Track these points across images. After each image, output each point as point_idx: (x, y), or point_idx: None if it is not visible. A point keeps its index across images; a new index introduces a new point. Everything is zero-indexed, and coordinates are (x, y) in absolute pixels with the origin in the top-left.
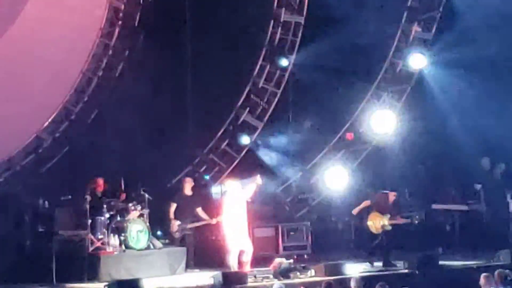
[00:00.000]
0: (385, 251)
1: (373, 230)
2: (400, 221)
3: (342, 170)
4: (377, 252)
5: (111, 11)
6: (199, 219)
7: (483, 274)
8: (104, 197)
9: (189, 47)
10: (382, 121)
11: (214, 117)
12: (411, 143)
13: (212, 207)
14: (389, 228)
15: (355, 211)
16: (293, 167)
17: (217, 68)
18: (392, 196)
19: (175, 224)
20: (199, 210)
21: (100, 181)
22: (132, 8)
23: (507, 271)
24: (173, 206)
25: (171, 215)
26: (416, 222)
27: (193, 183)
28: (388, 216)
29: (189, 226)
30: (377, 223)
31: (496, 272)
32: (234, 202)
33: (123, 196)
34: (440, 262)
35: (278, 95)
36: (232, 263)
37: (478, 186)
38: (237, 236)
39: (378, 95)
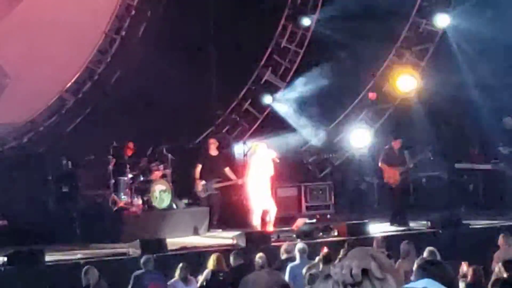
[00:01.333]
0: (399, 209)
1: (393, 182)
2: (414, 161)
3: (365, 129)
4: (402, 211)
5: None
6: (226, 179)
7: (502, 234)
8: (128, 159)
9: (212, 7)
10: (404, 81)
11: (237, 77)
12: (434, 103)
13: (235, 167)
14: (406, 174)
15: (389, 181)
16: (316, 127)
17: (239, 29)
18: (397, 144)
19: (200, 184)
20: (227, 170)
21: (131, 144)
22: None
23: None
24: (198, 167)
25: (196, 175)
26: (430, 155)
27: (217, 143)
28: (401, 164)
29: (215, 186)
30: (393, 174)
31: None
32: (259, 162)
33: (145, 158)
34: (464, 222)
35: (301, 54)
36: (255, 223)
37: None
38: (260, 196)
39: (400, 54)
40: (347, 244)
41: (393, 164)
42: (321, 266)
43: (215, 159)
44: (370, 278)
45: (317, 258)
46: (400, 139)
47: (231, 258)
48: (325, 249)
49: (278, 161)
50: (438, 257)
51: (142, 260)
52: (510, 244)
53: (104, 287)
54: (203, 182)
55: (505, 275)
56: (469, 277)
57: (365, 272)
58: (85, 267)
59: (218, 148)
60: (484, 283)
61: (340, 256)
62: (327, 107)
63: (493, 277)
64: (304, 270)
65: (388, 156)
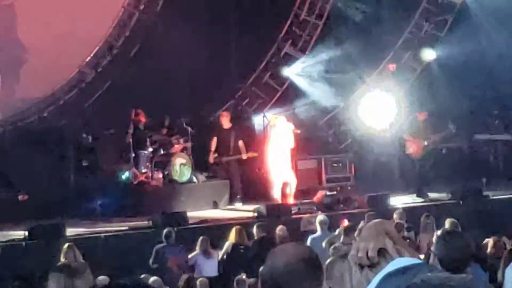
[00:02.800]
0: (420, 181)
1: (416, 154)
2: (438, 137)
3: (387, 100)
4: (424, 183)
5: None
6: (237, 152)
7: None
8: (146, 130)
9: None
10: (424, 52)
11: (257, 49)
12: (454, 73)
13: (254, 140)
14: (429, 147)
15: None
16: (336, 98)
17: (259, 1)
18: (422, 116)
19: (212, 157)
20: (240, 143)
21: (141, 112)
22: None
23: None
24: (213, 139)
25: (212, 147)
26: (453, 130)
27: (230, 116)
28: (425, 137)
29: (224, 159)
30: (417, 146)
31: None
32: (278, 135)
33: (164, 131)
34: (484, 193)
35: (320, 27)
36: (276, 196)
37: None
38: (280, 169)
39: (420, 26)
40: (367, 216)
41: (417, 136)
42: (342, 237)
43: (227, 132)
44: (386, 257)
45: (337, 230)
46: (425, 112)
47: (254, 230)
48: (346, 222)
49: (299, 132)
50: (459, 229)
51: (163, 234)
52: None
53: (85, 266)
54: (216, 155)
55: None
56: (489, 249)
57: (380, 251)
58: (66, 245)
59: (230, 120)
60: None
61: (359, 227)
62: (346, 79)
63: None
64: (324, 243)
65: (413, 127)
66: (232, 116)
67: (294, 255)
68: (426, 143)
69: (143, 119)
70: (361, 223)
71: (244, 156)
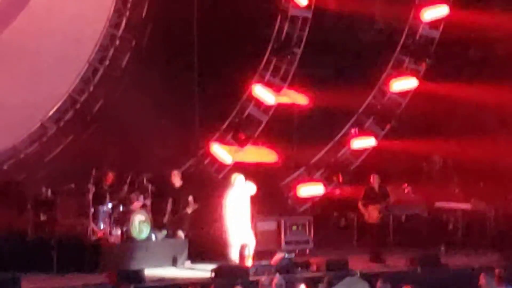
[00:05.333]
0: (377, 246)
1: (372, 220)
2: (391, 200)
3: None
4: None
5: (119, 1)
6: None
7: (483, 274)
8: (109, 189)
9: (197, 39)
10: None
11: (220, 109)
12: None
13: (212, 199)
14: (384, 210)
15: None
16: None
17: (224, 60)
18: (373, 179)
19: (166, 217)
20: (190, 198)
21: (111, 174)
22: None
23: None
24: (170, 201)
25: (167, 208)
26: (408, 190)
27: (180, 175)
28: (380, 202)
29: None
30: (372, 212)
31: (496, 271)
32: (236, 195)
33: (125, 188)
34: (442, 261)
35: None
36: (234, 257)
37: None
38: (238, 230)
39: (383, 91)
40: (325, 280)
41: (372, 202)
42: None
43: (178, 190)
44: None
45: None
46: (376, 174)
47: None
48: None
49: (253, 193)
50: None
51: None
52: (491, 284)
53: None
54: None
55: None
56: None
57: None
58: None
59: (182, 178)
60: None
61: None
62: (309, 142)
63: None
64: None
65: (367, 195)
66: (184, 174)
67: None
68: (381, 205)
69: (109, 180)
70: (320, 287)
71: (189, 210)
